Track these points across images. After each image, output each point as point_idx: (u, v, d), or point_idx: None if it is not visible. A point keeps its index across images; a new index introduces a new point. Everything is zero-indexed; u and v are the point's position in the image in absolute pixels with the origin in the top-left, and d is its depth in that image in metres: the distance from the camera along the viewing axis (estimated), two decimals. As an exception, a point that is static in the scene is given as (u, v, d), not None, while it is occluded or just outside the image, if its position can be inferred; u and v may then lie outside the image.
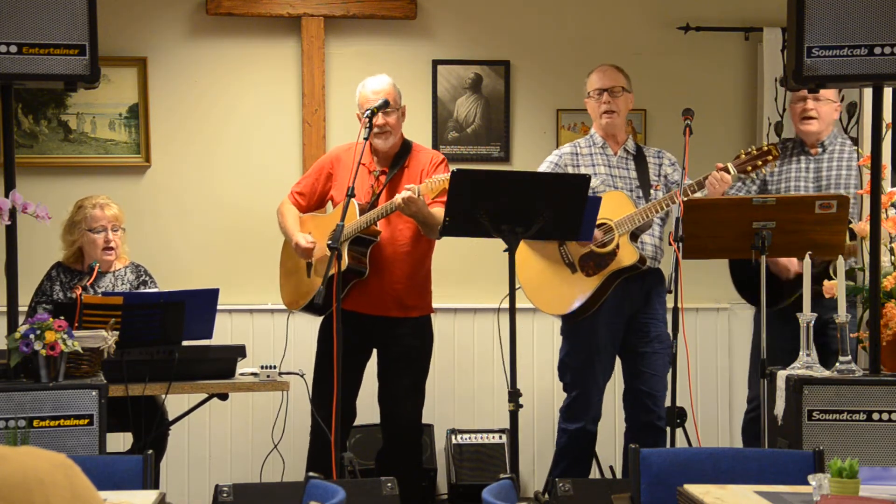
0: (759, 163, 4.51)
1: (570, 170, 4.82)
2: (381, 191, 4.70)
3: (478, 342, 5.78)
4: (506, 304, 4.83)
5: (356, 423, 4.98)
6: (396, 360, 4.78)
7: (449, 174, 4.35)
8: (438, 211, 4.56)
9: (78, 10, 3.83)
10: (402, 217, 4.60)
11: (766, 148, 4.53)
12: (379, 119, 4.63)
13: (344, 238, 4.42)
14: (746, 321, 5.48)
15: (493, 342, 5.72)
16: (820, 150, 4.76)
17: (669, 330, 4.32)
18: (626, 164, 4.85)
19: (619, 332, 4.80)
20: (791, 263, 4.64)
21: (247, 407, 5.62)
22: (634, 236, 4.71)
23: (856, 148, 4.78)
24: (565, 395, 4.90)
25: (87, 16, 3.84)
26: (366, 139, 4.54)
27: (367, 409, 4.96)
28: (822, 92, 4.64)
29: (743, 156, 4.54)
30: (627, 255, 4.68)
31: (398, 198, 4.45)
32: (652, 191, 4.79)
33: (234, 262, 5.75)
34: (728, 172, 4.52)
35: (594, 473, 5.31)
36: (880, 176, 4.09)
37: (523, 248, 4.81)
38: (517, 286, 4.77)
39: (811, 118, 4.71)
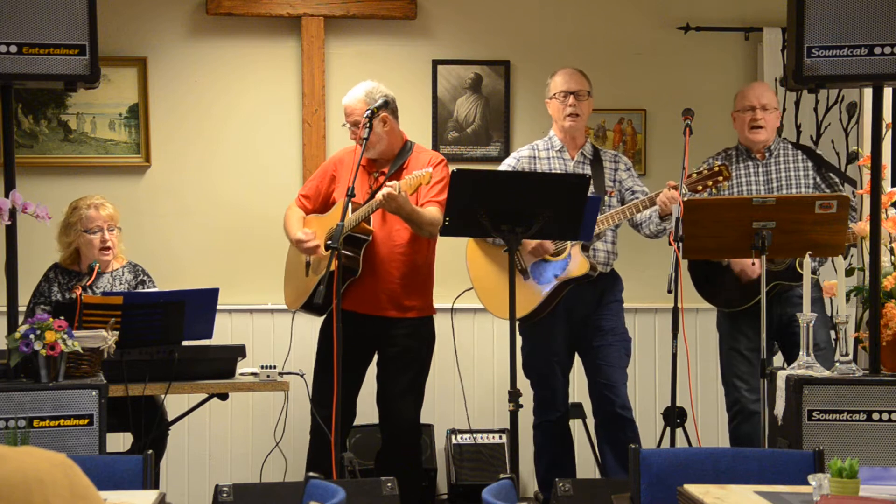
0: (710, 183, 4.57)
1: None
2: (376, 190, 4.70)
3: (478, 342, 5.78)
4: (458, 305, 4.88)
5: (356, 423, 4.98)
6: (394, 361, 4.78)
7: (427, 169, 4.39)
8: (431, 210, 4.56)
9: (78, 10, 3.83)
10: (399, 217, 4.60)
11: (717, 168, 4.57)
12: (351, 134, 4.74)
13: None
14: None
15: (494, 342, 5.74)
16: (767, 154, 4.92)
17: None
18: (583, 168, 4.87)
19: (575, 331, 4.86)
20: (748, 267, 4.71)
21: (247, 407, 5.62)
22: (585, 247, 4.74)
23: (799, 150, 4.94)
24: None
25: (87, 16, 3.84)
26: (365, 139, 4.55)
27: (367, 409, 4.95)
28: (768, 101, 4.88)
29: (695, 175, 4.57)
30: (578, 266, 4.76)
31: (379, 195, 4.45)
32: (606, 197, 4.83)
33: (234, 262, 5.75)
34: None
35: (594, 472, 5.31)
36: (880, 176, 4.10)
37: (475, 248, 4.85)
38: (470, 286, 4.84)
39: (760, 127, 4.87)
